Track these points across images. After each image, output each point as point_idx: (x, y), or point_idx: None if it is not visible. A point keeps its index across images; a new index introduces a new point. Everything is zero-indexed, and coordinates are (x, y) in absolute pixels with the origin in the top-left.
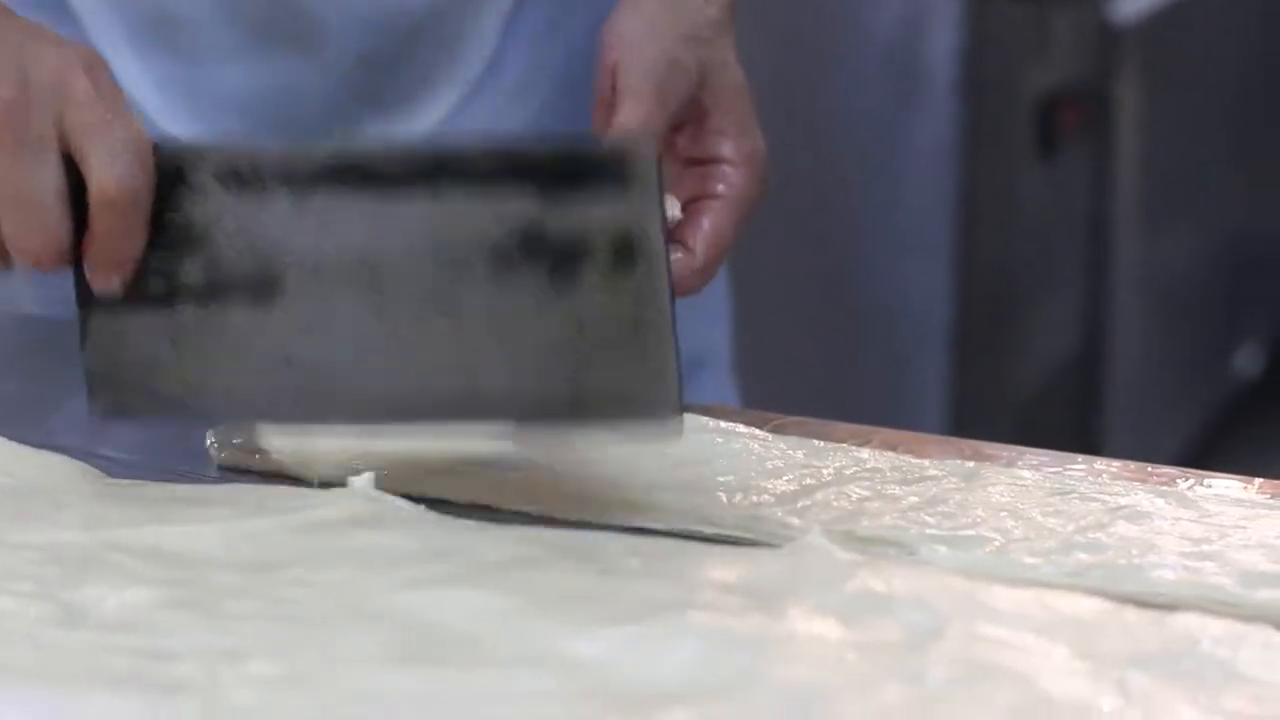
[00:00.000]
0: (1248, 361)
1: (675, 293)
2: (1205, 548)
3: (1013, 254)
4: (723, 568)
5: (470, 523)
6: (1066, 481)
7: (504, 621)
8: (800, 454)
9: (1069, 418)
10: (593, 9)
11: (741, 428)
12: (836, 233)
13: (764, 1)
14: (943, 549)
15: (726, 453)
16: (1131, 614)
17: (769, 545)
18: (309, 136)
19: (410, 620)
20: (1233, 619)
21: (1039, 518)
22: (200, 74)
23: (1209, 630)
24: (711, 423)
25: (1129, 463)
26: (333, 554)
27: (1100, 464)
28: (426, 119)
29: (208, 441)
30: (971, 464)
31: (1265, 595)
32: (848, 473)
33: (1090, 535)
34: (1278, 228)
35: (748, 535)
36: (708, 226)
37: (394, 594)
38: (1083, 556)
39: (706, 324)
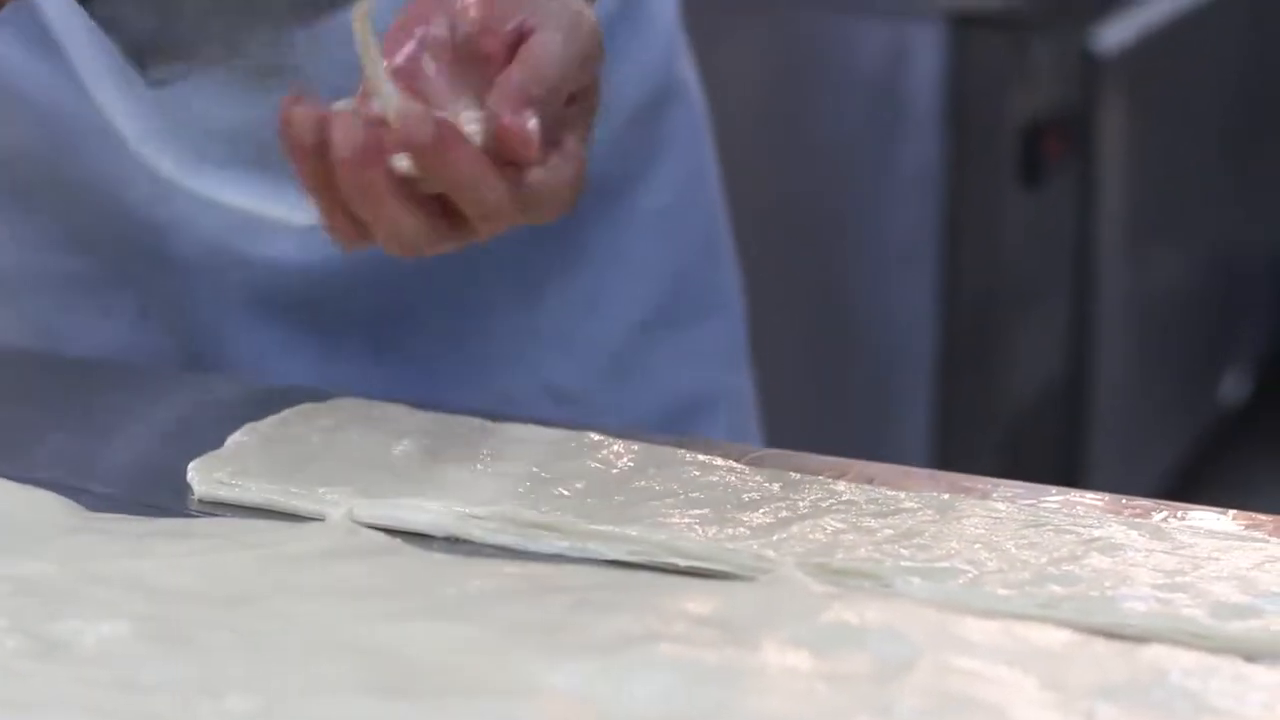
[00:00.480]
0: (1234, 387)
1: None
2: (1178, 579)
3: (997, 281)
4: (696, 600)
5: (445, 556)
6: (1041, 514)
7: (478, 653)
8: (776, 486)
9: (1054, 443)
10: None
11: (718, 460)
12: (822, 260)
13: (750, 31)
14: (917, 581)
15: (703, 485)
16: (1101, 645)
17: (743, 578)
18: (284, 166)
19: (384, 652)
20: (1204, 651)
21: (1013, 550)
22: (183, 105)
23: (1179, 662)
24: (689, 455)
25: (1103, 494)
26: (309, 587)
27: (1075, 495)
28: None
29: (188, 475)
30: (947, 496)
31: (1237, 627)
32: (824, 505)
33: (1064, 567)
34: (1263, 253)
35: (722, 568)
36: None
37: (369, 626)
38: (1055, 588)
39: (721, 368)
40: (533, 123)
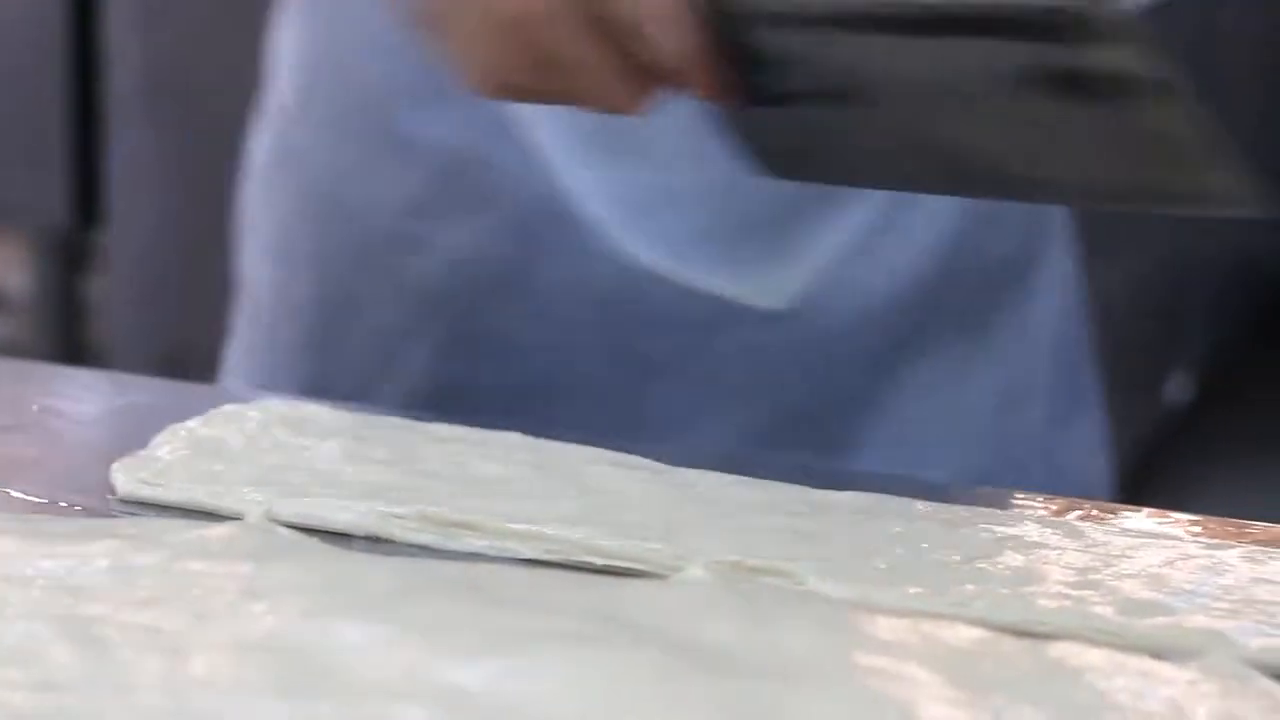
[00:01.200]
0: (1177, 390)
1: None
2: (1090, 577)
3: None
4: (608, 598)
5: (362, 555)
6: (958, 512)
7: (386, 651)
8: (700, 487)
9: None
10: None
11: (639, 459)
12: None
13: None
14: (830, 579)
15: (622, 484)
16: (1010, 643)
17: (659, 576)
18: (756, 232)
19: (294, 650)
20: (1112, 648)
21: (928, 548)
22: (651, 178)
23: (1087, 659)
24: (612, 455)
25: (1018, 492)
26: (221, 584)
27: (993, 493)
28: (869, 208)
29: (111, 475)
30: (866, 495)
31: (1145, 624)
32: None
33: (977, 565)
34: (1208, 255)
35: (638, 566)
36: None
37: (282, 625)
38: (968, 586)
39: (1082, 455)
40: None
